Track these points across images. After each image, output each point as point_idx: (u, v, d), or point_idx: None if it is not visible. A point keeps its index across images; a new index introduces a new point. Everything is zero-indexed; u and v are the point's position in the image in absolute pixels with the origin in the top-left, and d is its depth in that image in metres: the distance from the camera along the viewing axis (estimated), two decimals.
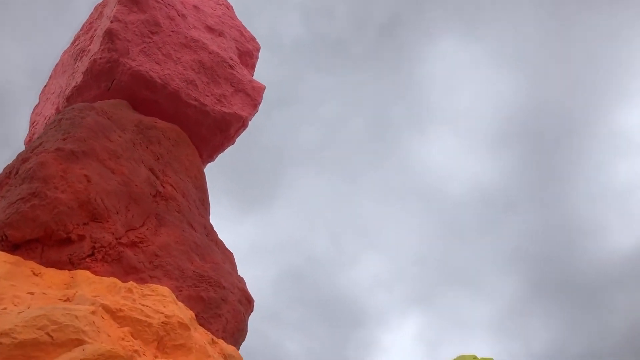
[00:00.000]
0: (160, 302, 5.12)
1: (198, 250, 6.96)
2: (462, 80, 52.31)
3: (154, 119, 7.97)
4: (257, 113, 9.66)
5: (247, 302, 7.22)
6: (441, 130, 52.35)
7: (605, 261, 44.28)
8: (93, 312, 4.35)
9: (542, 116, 47.58)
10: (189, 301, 6.08)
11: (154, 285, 5.37)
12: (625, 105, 48.10)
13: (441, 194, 51.19)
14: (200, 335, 5.34)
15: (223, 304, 6.52)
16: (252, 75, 9.85)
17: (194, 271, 6.54)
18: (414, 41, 50.62)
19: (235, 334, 6.66)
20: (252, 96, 9.13)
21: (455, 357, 15.57)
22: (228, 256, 7.78)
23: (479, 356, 15.15)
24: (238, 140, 9.78)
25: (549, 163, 48.19)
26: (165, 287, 5.40)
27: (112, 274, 5.65)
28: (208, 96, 8.58)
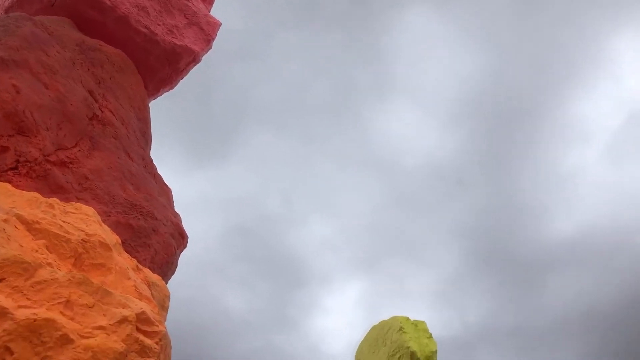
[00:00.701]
0: (83, 220, 4.93)
1: (133, 180, 6.76)
2: (428, 54, 52.58)
3: (98, 42, 7.59)
4: (211, 51, 9.39)
5: (180, 237, 7.10)
6: (402, 102, 52.70)
7: (544, 243, 46.23)
8: (5, 220, 4.14)
9: (501, 97, 48.50)
10: (116, 227, 5.92)
11: (79, 204, 5.16)
12: (580, 96, 49.55)
13: (396, 164, 51.89)
14: (123, 260, 5.19)
15: (153, 235, 6.38)
16: (209, 11, 9.50)
17: (125, 199, 6.35)
18: (384, 10, 50.24)
19: (164, 266, 6.55)
20: (206, 31, 8.81)
21: (388, 318, 15.96)
22: (165, 190, 7.60)
23: (411, 319, 15.57)
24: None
25: (502, 144, 49.39)
26: (90, 207, 5.20)
27: (36, 191, 5.40)
28: (159, 25, 8.23)
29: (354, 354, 16.90)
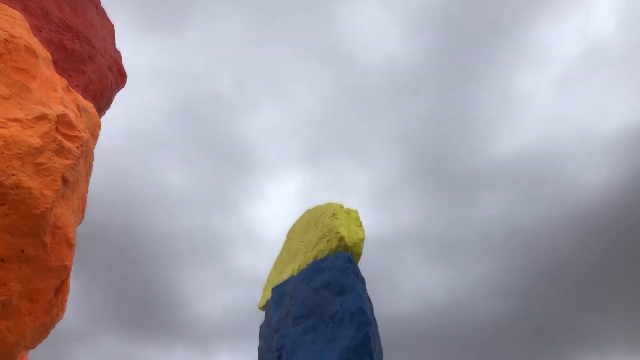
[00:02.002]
0: (8, 22, 4.55)
1: (71, 2, 6.28)
2: None
3: None
4: None
5: (119, 75, 6.79)
6: None
7: (483, 161, 47.89)
8: None
9: (468, 12, 47.69)
10: (48, 44, 5.55)
11: (4, 5, 4.74)
12: (545, 21, 49.28)
13: (354, 62, 51.10)
14: (52, 74, 4.91)
15: (89, 62, 6.04)
16: None
17: (61, 19, 5.91)
18: None
19: (98, 98, 6.29)
20: None
21: (323, 204, 16.35)
22: (107, 25, 7.15)
23: (345, 207, 16.00)
24: None
25: (462, 58, 49.27)
26: (17, 12, 4.80)
27: None
28: None
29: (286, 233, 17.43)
